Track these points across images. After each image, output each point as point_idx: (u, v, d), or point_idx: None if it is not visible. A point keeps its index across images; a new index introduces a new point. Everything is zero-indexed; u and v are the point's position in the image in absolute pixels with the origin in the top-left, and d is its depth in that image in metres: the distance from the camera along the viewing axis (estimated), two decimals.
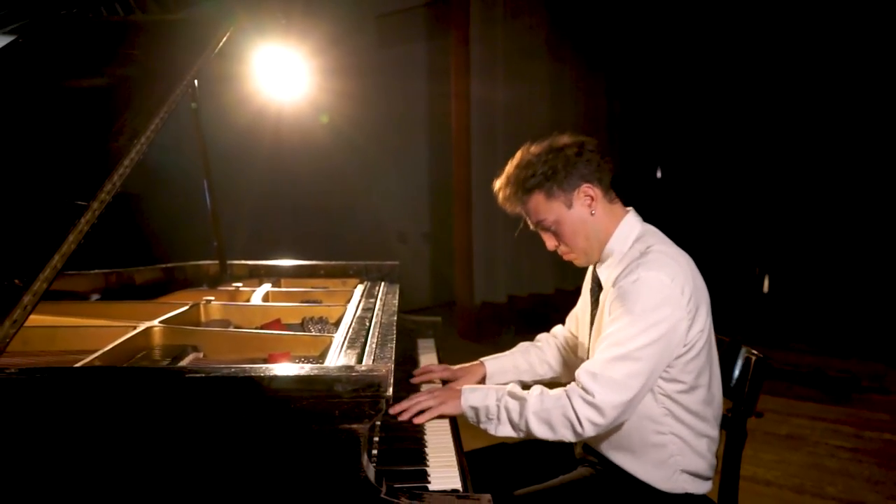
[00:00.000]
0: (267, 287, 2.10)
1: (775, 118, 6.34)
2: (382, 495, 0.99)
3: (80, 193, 1.20)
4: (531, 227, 1.57)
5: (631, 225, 1.54)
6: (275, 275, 2.36)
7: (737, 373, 1.63)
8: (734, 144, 6.62)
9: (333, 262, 2.34)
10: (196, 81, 1.97)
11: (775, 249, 6.35)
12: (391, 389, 0.99)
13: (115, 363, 1.25)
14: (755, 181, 6.49)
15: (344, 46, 6.15)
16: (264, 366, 0.98)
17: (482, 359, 1.79)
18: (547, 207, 1.50)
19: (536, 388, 1.43)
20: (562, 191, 1.48)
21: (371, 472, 1.00)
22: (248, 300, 1.95)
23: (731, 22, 6.24)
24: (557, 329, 1.91)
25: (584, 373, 1.40)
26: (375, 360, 1.29)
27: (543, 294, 6.15)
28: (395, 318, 1.67)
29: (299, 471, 0.97)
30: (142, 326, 1.43)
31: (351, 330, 1.47)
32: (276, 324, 1.73)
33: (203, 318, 1.74)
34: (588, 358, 1.65)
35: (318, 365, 1.22)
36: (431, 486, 1.19)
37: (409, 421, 1.41)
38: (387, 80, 6.53)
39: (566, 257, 1.59)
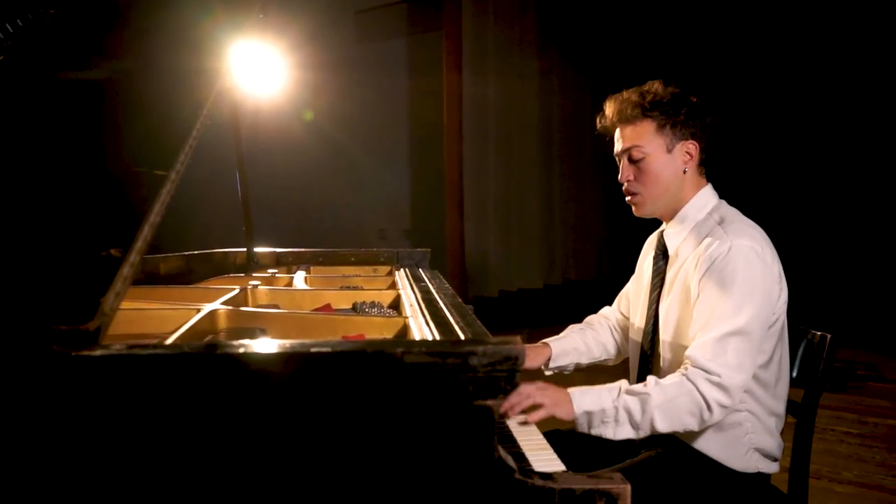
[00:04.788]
0: (303, 273, 2.02)
1: (759, 118, 6.44)
2: (516, 476, 0.93)
3: (158, 164, 1.12)
4: (616, 152, 1.54)
5: (708, 196, 1.53)
6: (301, 262, 2.28)
7: (800, 355, 1.61)
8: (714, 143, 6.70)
9: (364, 250, 2.27)
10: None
11: None
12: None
13: None
14: (742, 177, 6.57)
15: (322, 42, 6.06)
16: (392, 340, 0.92)
17: (545, 340, 1.74)
18: (650, 138, 1.47)
19: (651, 380, 1.36)
20: (672, 132, 1.47)
21: (504, 452, 0.94)
22: (288, 286, 1.87)
23: (713, 24, 6.31)
24: (607, 311, 1.87)
25: (698, 354, 1.33)
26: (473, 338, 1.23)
27: (532, 289, 6.15)
28: (458, 299, 1.61)
29: (430, 451, 0.91)
30: (206, 309, 1.34)
31: (426, 311, 1.40)
32: (328, 308, 1.66)
33: (251, 303, 1.66)
34: (643, 334, 1.61)
35: (449, 339, 1.16)
36: (535, 468, 1.14)
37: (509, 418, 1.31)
38: (366, 76, 6.47)
39: (630, 199, 1.55)
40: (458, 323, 1.29)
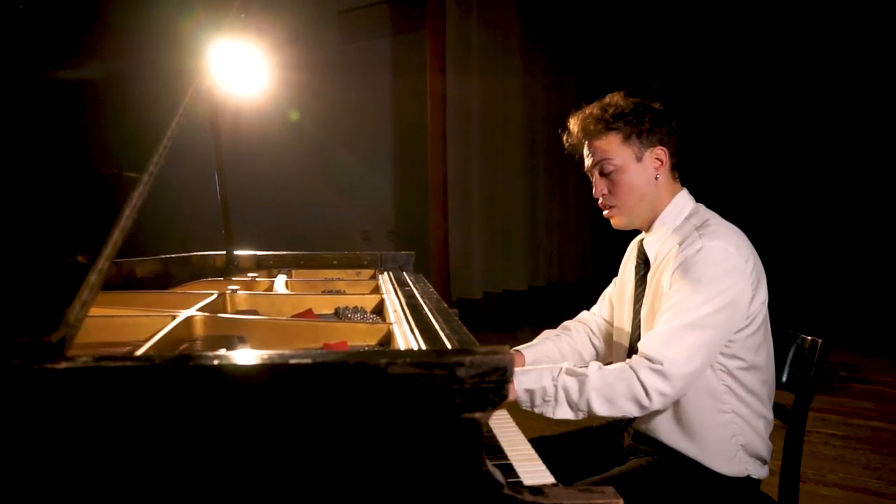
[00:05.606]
0: (284, 277, 1.97)
1: (746, 118, 6.45)
2: (505, 491, 0.90)
3: (128, 166, 1.07)
4: (587, 168, 1.55)
5: (685, 200, 1.53)
6: (283, 265, 2.23)
7: (789, 360, 1.60)
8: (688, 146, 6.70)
9: (346, 252, 2.23)
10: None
11: None
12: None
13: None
14: (720, 178, 6.60)
15: (305, 42, 6.01)
16: (375, 350, 0.88)
17: (516, 348, 1.71)
18: (618, 150, 1.47)
19: (594, 364, 1.38)
20: (639, 141, 1.47)
21: (492, 466, 0.90)
22: (268, 290, 1.82)
23: (696, 23, 6.32)
24: (585, 315, 1.85)
25: (648, 342, 1.35)
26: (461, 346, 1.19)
27: (517, 290, 6.12)
28: (444, 304, 1.57)
29: (416, 466, 0.87)
30: (182, 316, 1.29)
31: (410, 317, 1.36)
32: (309, 313, 1.61)
33: (229, 309, 1.61)
34: (630, 341, 1.60)
35: (434, 349, 1.12)
36: (524, 481, 1.11)
37: None
38: (349, 76, 6.42)
39: (607, 213, 1.54)
40: (443, 330, 1.25)
